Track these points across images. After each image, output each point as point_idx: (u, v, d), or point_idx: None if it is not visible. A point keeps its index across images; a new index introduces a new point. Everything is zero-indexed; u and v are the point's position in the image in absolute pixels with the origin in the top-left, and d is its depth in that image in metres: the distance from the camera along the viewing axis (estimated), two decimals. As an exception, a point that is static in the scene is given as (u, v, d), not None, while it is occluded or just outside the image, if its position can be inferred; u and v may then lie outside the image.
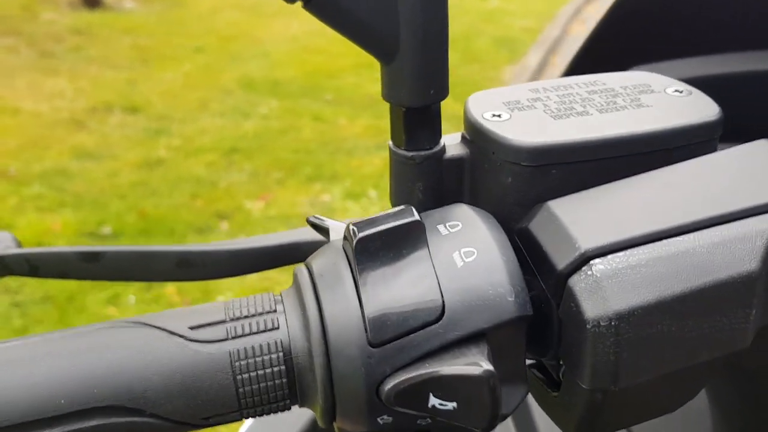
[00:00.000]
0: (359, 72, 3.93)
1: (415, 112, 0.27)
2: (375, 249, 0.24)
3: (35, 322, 1.90)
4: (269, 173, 2.79)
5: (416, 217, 0.25)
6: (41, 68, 3.69)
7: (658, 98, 0.30)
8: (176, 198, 2.53)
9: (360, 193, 2.76)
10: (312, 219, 0.30)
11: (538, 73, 4.61)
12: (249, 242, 0.33)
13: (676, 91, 0.31)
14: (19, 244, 0.34)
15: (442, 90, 0.27)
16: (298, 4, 0.25)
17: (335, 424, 0.25)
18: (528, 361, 0.28)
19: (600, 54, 0.46)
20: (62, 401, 0.23)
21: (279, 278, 1.92)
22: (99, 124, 3.14)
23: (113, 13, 4.49)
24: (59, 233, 2.27)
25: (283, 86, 3.74)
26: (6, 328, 1.87)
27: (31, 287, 1.98)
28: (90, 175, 2.65)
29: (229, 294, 1.91)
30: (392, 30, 0.25)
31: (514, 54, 4.42)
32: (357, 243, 0.24)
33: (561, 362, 0.26)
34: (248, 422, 0.59)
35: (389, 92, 0.27)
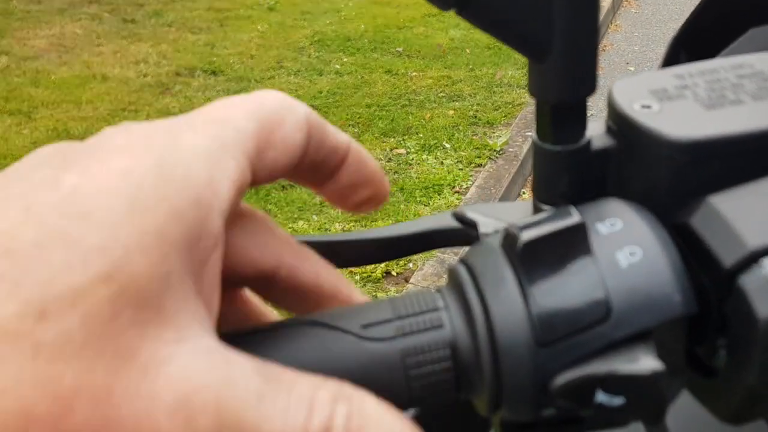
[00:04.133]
0: (428, 22, 3.91)
1: (564, 107, 0.28)
2: (539, 251, 0.24)
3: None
4: (345, 129, 2.86)
5: (579, 219, 0.25)
6: (125, 34, 3.86)
7: None
8: (258, 155, 2.64)
9: (434, 145, 2.80)
10: (458, 213, 0.32)
11: (612, 12, 4.47)
12: (387, 231, 0.34)
13: None
14: None
15: (591, 85, 0.28)
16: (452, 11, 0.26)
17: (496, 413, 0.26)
18: None
19: (716, 14, 0.43)
20: None
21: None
22: (183, 88, 3.28)
23: (188, -22, 4.61)
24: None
25: (354, 41, 3.78)
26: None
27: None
28: (176, 135, 2.79)
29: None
30: (545, 33, 0.26)
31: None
32: (522, 247, 0.24)
33: (721, 353, 0.27)
34: None
35: (538, 89, 0.28)
